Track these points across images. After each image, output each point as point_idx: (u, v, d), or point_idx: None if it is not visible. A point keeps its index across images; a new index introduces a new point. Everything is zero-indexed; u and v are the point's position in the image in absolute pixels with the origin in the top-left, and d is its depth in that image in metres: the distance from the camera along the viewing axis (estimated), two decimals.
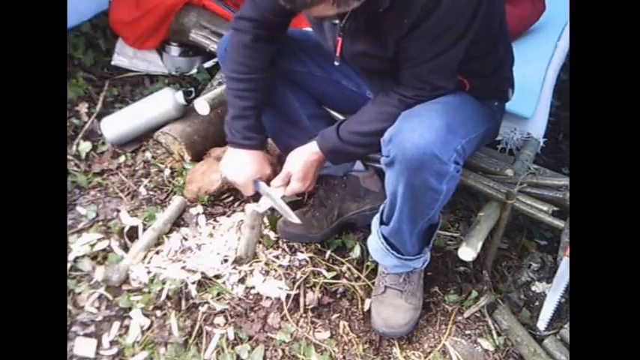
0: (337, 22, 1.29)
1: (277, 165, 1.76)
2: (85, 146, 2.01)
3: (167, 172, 1.97)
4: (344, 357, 1.53)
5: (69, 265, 1.61)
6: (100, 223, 1.77)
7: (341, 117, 1.70)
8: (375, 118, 1.36)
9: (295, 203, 1.82)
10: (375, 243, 1.53)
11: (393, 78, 1.35)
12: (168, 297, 1.57)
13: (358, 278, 1.71)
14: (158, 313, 1.54)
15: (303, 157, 1.47)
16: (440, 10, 1.16)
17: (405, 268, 1.55)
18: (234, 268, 1.66)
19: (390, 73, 1.35)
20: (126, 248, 1.70)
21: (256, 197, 1.60)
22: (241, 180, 1.52)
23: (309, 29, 1.55)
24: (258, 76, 1.48)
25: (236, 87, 1.49)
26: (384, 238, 1.49)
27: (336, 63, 1.38)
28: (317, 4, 1.07)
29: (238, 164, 1.52)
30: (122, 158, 2.01)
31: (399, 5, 1.17)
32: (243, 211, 1.80)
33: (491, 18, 1.28)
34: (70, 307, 1.52)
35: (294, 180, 1.49)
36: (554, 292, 1.60)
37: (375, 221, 1.53)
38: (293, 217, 1.56)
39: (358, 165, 1.77)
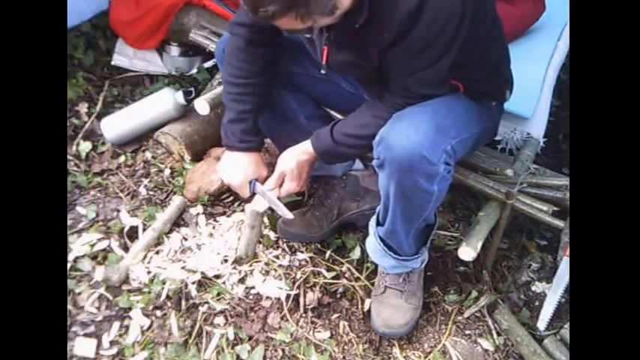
0: (308, 33, 1.27)
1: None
2: (85, 146, 2.01)
3: (167, 172, 1.97)
4: (344, 357, 1.53)
5: (69, 265, 1.61)
6: (100, 223, 1.77)
7: (341, 117, 1.70)
8: (370, 122, 1.35)
9: (295, 203, 1.83)
10: (372, 244, 1.54)
11: (383, 85, 1.35)
12: (168, 297, 1.57)
13: (358, 278, 1.71)
14: (158, 313, 1.54)
15: (296, 157, 1.47)
16: (419, 26, 1.14)
17: (404, 269, 1.55)
18: (234, 268, 1.66)
19: (380, 81, 1.35)
20: (126, 248, 1.70)
21: (254, 198, 1.60)
22: (237, 182, 1.53)
23: None
24: (256, 80, 1.49)
25: (234, 91, 1.50)
26: (381, 239, 1.49)
27: (323, 71, 1.38)
28: (280, 17, 1.05)
29: (234, 166, 1.53)
30: (122, 158, 2.01)
31: (377, 20, 1.16)
32: (243, 211, 1.80)
33: (479, 25, 1.24)
34: (70, 307, 1.52)
35: (288, 180, 1.49)
36: (554, 292, 1.60)
37: (372, 222, 1.53)
38: (288, 215, 1.55)
39: (358, 164, 1.78)
